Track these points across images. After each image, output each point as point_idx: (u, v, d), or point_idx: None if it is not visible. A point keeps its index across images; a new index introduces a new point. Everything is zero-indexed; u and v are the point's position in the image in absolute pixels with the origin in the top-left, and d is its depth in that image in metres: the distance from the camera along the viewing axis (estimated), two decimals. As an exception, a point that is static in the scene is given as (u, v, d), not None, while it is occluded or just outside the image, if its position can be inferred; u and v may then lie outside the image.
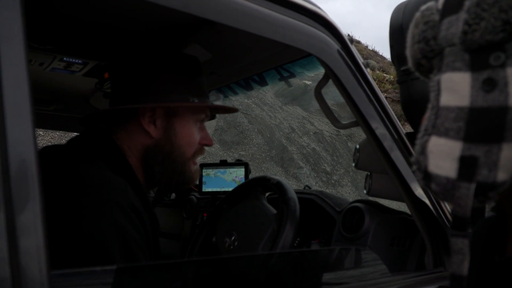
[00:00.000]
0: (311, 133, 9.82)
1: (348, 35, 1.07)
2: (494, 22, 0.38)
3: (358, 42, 15.39)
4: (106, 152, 0.92)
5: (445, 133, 0.42)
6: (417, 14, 0.46)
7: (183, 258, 1.47)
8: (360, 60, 1.05)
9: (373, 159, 1.09)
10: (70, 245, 0.73)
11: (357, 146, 1.14)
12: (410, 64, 0.48)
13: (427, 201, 1.07)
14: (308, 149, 9.29)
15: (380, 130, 1.03)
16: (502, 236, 0.48)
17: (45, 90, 1.64)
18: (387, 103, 1.07)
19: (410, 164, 1.03)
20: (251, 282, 0.90)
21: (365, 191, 1.16)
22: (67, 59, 1.28)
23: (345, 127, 1.09)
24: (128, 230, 0.79)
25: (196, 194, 1.83)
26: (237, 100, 9.19)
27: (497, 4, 0.38)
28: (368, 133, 1.04)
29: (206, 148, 1.08)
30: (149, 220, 0.93)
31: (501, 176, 0.39)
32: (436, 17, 0.44)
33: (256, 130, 8.98)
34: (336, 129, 9.85)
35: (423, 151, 0.43)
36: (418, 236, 1.14)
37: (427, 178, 0.43)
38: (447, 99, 0.42)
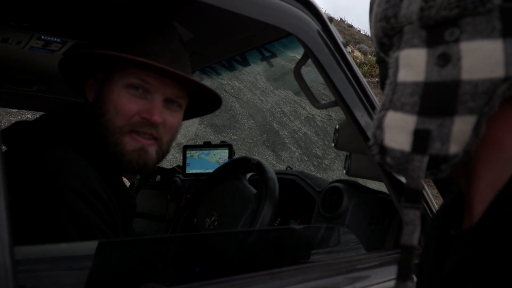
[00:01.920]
0: (303, 118, 9.83)
1: (328, 15, 1.06)
2: None
3: (351, 26, 15.31)
4: (73, 131, 0.90)
5: (401, 108, 0.42)
6: None
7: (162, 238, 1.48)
8: (340, 40, 1.04)
9: (352, 140, 1.10)
10: (30, 233, 0.73)
11: (337, 126, 1.14)
12: (374, 43, 0.49)
13: (404, 181, 1.07)
14: (300, 134, 9.31)
15: (358, 110, 1.03)
16: (460, 211, 0.48)
17: (26, 70, 1.62)
18: (366, 84, 1.07)
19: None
20: (227, 259, 0.91)
21: (344, 171, 1.17)
22: (45, 38, 1.26)
23: (324, 107, 1.09)
24: (88, 216, 0.77)
25: (180, 175, 1.83)
26: (228, 84, 9.15)
27: None
28: (347, 114, 1.04)
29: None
30: (119, 202, 0.91)
31: (453, 149, 0.40)
32: None
33: (247, 114, 8.97)
34: (327, 113, 9.89)
35: (380, 126, 0.44)
36: (396, 215, 1.16)
37: (382, 152, 0.44)
38: (404, 75, 0.43)
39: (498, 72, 0.37)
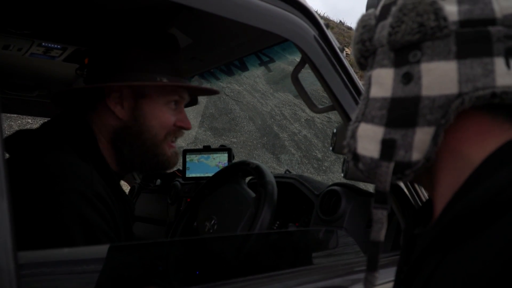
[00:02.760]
0: (303, 120, 9.84)
1: (324, 21, 1.08)
2: (412, 25, 0.44)
3: (350, 28, 15.33)
4: (76, 137, 0.92)
5: (371, 120, 0.48)
6: (358, 20, 0.52)
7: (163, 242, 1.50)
8: (336, 45, 1.06)
9: (349, 143, 1.11)
10: (35, 236, 0.74)
11: (334, 130, 1.15)
12: (354, 61, 0.55)
13: (401, 184, 1.09)
14: (300, 136, 9.32)
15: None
16: (428, 212, 0.53)
17: (27, 76, 1.64)
18: (363, 88, 1.09)
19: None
20: (227, 262, 0.93)
21: (342, 175, 1.18)
22: (46, 44, 1.28)
23: (321, 111, 1.11)
24: (93, 219, 0.79)
25: (180, 179, 1.85)
26: (228, 87, 9.17)
27: (414, 9, 0.44)
28: (343, 118, 1.06)
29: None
30: (120, 205, 0.93)
31: (416, 156, 0.45)
32: (373, 22, 0.50)
33: (247, 117, 8.98)
34: (327, 116, 9.90)
35: (353, 136, 0.50)
36: (394, 218, 1.17)
37: (355, 158, 0.50)
38: (375, 91, 0.48)
39: (452, 89, 0.42)
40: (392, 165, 0.45)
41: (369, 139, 0.48)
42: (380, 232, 0.47)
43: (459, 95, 0.42)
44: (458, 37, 0.42)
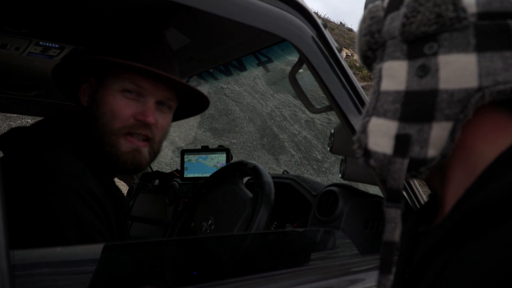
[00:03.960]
0: (303, 121, 9.85)
1: (325, 22, 1.08)
2: (429, 15, 0.42)
3: (351, 30, 15.34)
4: (69, 134, 0.92)
5: (383, 114, 0.46)
6: (365, 11, 0.51)
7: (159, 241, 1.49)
8: (334, 46, 1.06)
9: (347, 144, 1.10)
10: (29, 234, 0.74)
11: (332, 131, 1.15)
12: (358, 57, 0.53)
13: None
14: (300, 137, 9.32)
15: (352, 115, 1.04)
16: (433, 212, 0.51)
17: (25, 75, 1.63)
18: (360, 89, 1.08)
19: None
20: (223, 263, 0.92)
21: (340, 175, 1.18)
22: (43, 43, 1.28)
23: (319, 111, 1.10)
24: (86, 216, 0.79)
25: (178, 180, 1.84)
26: (228, 88, 9.17)
27: None
28: (341, 118, 1.05)
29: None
30: (113, 203, 0.93)
31: (431, 152, 0.43)
32: (381, 13, 0.48)
33: (247, 118, 8.98)
34: (327, 117, 9.90)
35: (364, 130, 0.47)
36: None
37: (366, 155, 0.47)
38: (386, 84, 0.46)
39: (472, 82, 0.41)
40: (406, 161, 0.43)
41: (381, 134, 0.46)
42: (394, 232, 0.44)
43: (479, 89, 0.40)
44: (477, 29, 0.41)
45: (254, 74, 9.84)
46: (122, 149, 0.92)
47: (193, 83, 1.65)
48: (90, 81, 0.96)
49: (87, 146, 0.92)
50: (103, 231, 0.82)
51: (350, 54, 12.58)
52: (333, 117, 9.87)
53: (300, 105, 10.06)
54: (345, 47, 12.70)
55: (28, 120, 6.03)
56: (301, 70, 1.09)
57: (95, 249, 0.76)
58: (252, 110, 9.24)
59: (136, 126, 0.92)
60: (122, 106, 0.91)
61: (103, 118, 0.91)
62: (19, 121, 6.01)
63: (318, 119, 9.99)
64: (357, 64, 11.89)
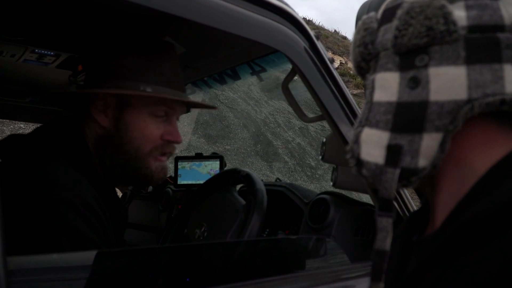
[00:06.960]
0: (297, 128, 9.88)
1: (320, 30, 1.10)
2: (420, 28, 0.43)
3: (345, 38, 15.46)
4: (67, 144, 0.92)
5: (376, 125, 0.47)
6: (359, 22, 0.51)
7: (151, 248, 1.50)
8: (326, 57, 1.08)
9: (338, 152, 1.12)
10: (24, 244, 0.74)
11: (324, 140, 1.17)
12: (352, 67, 0.54)
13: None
14: (293, 144, 9.35)
15: (344, 124, 1.06)
16: (424, 220, 0.52)
17: (19, 82, 1.64)
18: (352, 98, 1.11)
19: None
20: (216, 269, 0.93)
21: (331, 183, 1.19)
22: (39, 51, 1.29)
23: (311, 121, 1.13)
24: (81, 229, 0.79)
25: (172, 186, 1.85)
26: (223, 94, 9.19)
27: (423, 12, 0.43)
28: (333, 127, 1.07)
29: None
30: (111, 213, 0.93)
31: (422, 162, 0.44)
32: (375, 25, 0.49)
33: (241, 124, 9.00)
34: (321, 124, 9.94)
35: (357, 140, 0.48)
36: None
37: (359, 164, 0.48)
38: (379, 95, 0.47)
39: (461, 94, 0.42)
40: (398, 171, 0.44)
41: (373, 144, 0.46)
42: (385, 241, 0.45)
43: (469, 101, 0.41)
44: (467, 42, 0.42)
45: (248, 81, 9.88)
46: (153, 169, 0.96)
47: (187, 91, 1.67)
48: (108, 99, 0.93)
49: (112, 169, 0.93)
50: (98, 243, 0.82)
51: (344, 62, 12.68)
52: (327, 125, 9.90)
53: (294, 111, 10.09)
54: (339, 55, 12.80)
55: (21, 125, 6.00)
56: (295, 78, 1.12)
57: (89, 256, 0.77)
58: (246, 116, 9.26)
59: (164, 146, 0.96)
60: (153, 130, 0.93)
61: (134, 143, 0.92)
62: (11, 126, 5.97)
63: (312, 126, 10.03)
64: (351, 72, 11.97)
